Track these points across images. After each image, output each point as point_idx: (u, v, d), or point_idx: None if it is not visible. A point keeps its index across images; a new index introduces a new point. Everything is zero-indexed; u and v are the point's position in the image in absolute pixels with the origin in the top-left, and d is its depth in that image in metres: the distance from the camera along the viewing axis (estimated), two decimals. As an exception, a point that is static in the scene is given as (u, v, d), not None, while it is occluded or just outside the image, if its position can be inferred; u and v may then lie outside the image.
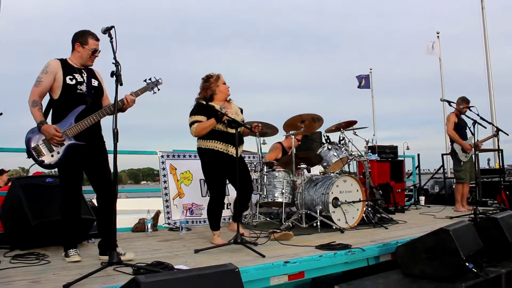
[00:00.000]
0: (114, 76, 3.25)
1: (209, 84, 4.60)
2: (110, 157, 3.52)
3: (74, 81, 3.71)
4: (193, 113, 4.55)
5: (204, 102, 4.54)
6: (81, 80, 3.76)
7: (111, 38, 3.31)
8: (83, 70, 3.83)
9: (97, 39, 3.82)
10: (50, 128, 3.55)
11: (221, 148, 4.53)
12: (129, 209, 9.10)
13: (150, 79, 3.98)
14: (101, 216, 3.87)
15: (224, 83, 4.66)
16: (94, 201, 6.30)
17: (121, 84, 3.25)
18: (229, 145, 4.55)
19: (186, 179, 6.09)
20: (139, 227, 5.57)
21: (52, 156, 3.59)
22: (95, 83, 3.87)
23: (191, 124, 4.54)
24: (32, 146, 3.56)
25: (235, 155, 4.42)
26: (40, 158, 3.56)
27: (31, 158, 3.58)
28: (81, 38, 3.79)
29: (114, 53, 3.29)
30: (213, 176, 4.52)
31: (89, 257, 3.75)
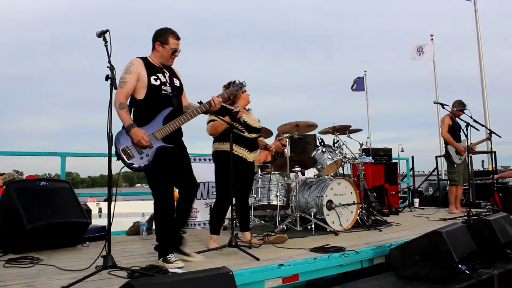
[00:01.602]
0: (109, 79, 3.25)
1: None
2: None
3: (158, 82, 3.65)
4: (212, 113, 4.58)
5: (227, 106, 4.58)
6: (165, 80, 3.71)
7: (106, 42, 3.29)
8: (164, 70, 3.78)
9: (178, 38, 3.77)
10: (139, 132, 3.47)
11: (236, 151, 4.58)
12: (124, 212, 9.10)
13: (234, 81, 4.18)
14: (178, 214, 3.80)
15: (245, 91, 4.70)
16: (89, 204, 6.33)
17: (116, 88, 3.25)
18: (245, 149, 4.64)
19: (180, 182, 6.08)
20: (134, 230, 5.56)
21: (142, 158, 3.52)
22: (177, 82, 3.83)
23: (209, 122, 4.61)
24: (122, 148, 3.48)
25: (250, 160, 4.66)
26: (129, 161, 3.49)
27: (120, 161, 3.50)
28: (161, 37, 3.73)
29: (109, 56, 3.27)
30: (226, 179, 4.42)
31: (84, 260, 3.75)
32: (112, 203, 3.22)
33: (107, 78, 3.25)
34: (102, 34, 3.29)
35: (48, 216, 4.29)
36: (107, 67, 3.26)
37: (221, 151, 4.60)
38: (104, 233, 4.88)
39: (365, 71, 19.68)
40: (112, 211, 3.21)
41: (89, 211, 5.31)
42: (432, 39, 15.94)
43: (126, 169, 3.54)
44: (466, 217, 6.10)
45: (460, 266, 3.63)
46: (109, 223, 3.21)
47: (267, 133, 6.17)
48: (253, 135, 4.74)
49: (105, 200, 3.53)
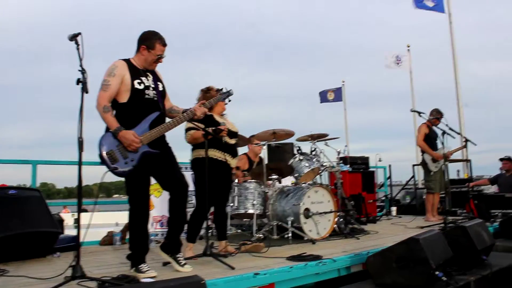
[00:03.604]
0: (80, 83, 3.16)
1: (210, 95, 4.51)
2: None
3: (142, 86, 3.56)
4: (193, 120, 4.50)
5: None
6: (148, 84, 3.61)
7: (78, 45, 3.20)
8: (148, 73, 3.69)
9: (165, 45, 3.69)
10: (129, 134, 3.37)
11: (219, 157, 4.53)
12: (99, 222, 8.91)
13: (221, 89, 4.08)
14: (173, 218, 3.73)
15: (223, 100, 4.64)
16: (62, 215, 6.17)
17: (87, 92, 3.17)
18: (228, 155, 4.59)
19: (156, 190, 5.96)
20: (107, 240, 5.43)
21: (126, 163, 3.40)
22: (160, 86, 3.74)
23: (187, 130, 4.53)
24: (106, 152, 3.37)
25: (232, 165, 4.62)
26: (113, 165, 3.37)
27: (104, 165, 3.39)
28: (148, 41, 3.64)
29: (81, 60, 3.19)
30: (206, 186, 4.29)
31: (53, 271, 3.61)
32: (89, 213, 3.13)
33: (78, 81, 3.17)
34: (74, 37, 3.21)
35: (17, 226, 4.16)
36: (79, 70, 3.18)
37: (202, 158, 4.45)
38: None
39: (343, 81, 19.77)
40: (82, 220, 3.12)
41: (61, 221, 5.18)
42: (409, 50, 16.13)
43: (99, 176, 3.45)
44: (443, 225, 6.11)
45: (437, 273, 3.62)
46: (79, 231, 3.11)
47: (243, 140, 6.11)
48: (233, 141, 4.69)
49: (81, 211, 3.41)
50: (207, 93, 4.59)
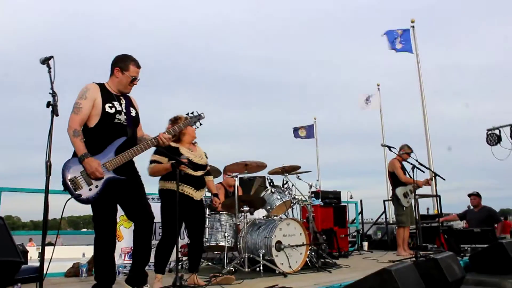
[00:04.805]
0: (50, 106, 3.10)
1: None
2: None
3: (113, 110, 3.50)
4: (156, 152, 4.47)
5: (171, 144, 4.44)
6: (120, 109, 3.55)
7: (50, 69, 3.16)
8: (121, 98, 3.63)
9: (139, 67, 3.66)
10: (94, 163, 3.30)
11: (183, 191, 4.46)
12: (65, 257, 8.60)
13: (192, 112, 4.00)
14: (138, 249, 3.63)
15: (192, 126, 4.60)
16: (29, 248, 5.93)
17: (57, 115, 3.10)
18: (191, 188, 4.53)
19: (126, 221, 5.81)
20: (73, 271, 5.22)
21: (90, 190, 3.32)
22: (133, 112, 3.68)
23: (150, 162, 4.49)
24: (69, 178, 3.28)
25: (198, 199, 4.57)
26: (77, 192, 3.28)
27: (67, 192, 3.30)
28: (122, 63, 3.61)
29: (52, 83, 3.14)
30: (171, 217, 4.30)
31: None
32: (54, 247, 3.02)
33: (48, 104, 3.11)
34: (46, 60, 3.17)
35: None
36: (49, 93, 3.13)
37: (166, 189, 4.49)
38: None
39: (315, 118, 19.96)
40: (46, 252, 2.98)
41: (25, 252, 4.98)
42: (378, 89, 16.48)
43: (67, 209, 3.36)
44: (414, 259, 6.11)
45: (409, 304, 3.58)
46: (43, 258, 2.97)
47: (216, 172, 6.07)
48: (200, 173, 4.62)
49: (46, 245, 3.28)
50: (175, 123, 4.56)
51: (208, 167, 4.95)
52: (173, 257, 5.34)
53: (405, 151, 7.57)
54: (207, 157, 4.85)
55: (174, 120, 4.48)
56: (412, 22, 12.65)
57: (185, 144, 4.62)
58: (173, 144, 4.46)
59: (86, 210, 3.60)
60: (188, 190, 4.51)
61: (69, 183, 3.27)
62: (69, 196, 3.31)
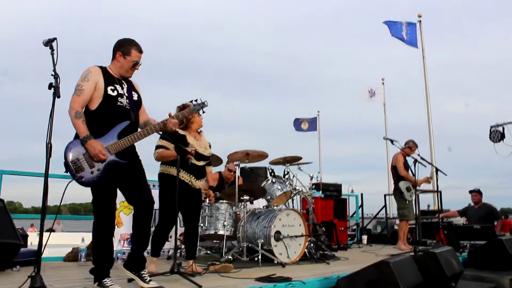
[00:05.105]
0: (52, 88, 3.09)
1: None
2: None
3: (115, 93, 3.46)
4: (162, 137, 4.47)
5: (179, 131, 4.46)
6: (122, 92, 3.52)
7: (52, 50, 3.14)
8: (123, 81, 3.60)
9: (141, 51, 3.62)
10: (97, 145, 3.25)
11: (182, 177, 4.47)
12: (64, 243, 8.62)
13: (196, 100, 3.95)
14: (136, 234, 3.60)
15: (199, 114, 4.60)
16: (30, 233, 5.94)
17: (59, 97, 3.09)
18: (192, 176, 4.56)
19: (126, 208, 5.83)
20: (72, 256, 5.23)
21: (92, 172, 3.28)
22: (135, 96, 3.64)
23: (157, 147, 4.53)
24: (71, 159, 3.24)
25: (196, 187, 4.59)
26: (79, 174, 3.25)
27: (68, 173, 3.26)
28: (124, 47, 3.56)
29: (54, 65, 3.13)
30: (169, 202, 4.34)
31: (11, 284, 3.44)
32: (54, 233, 3.00)
33: (50, 86, 3.10)
34: (49, 42, 3.15)
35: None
36: (51, 75, 3.13)
37: (167, 174, 4.53)
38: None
39: (318, 112, 19.91)
40: (45, 235, 2.98)
41: (25, 236, 5.00)
42: (383, 83, 16.44)
43: (68, 196, 3.35)
44: (413, 253, 6.11)
45: (407, 297, 3.58)
46: (41, 239, 2.97)
47: (217, 160, 6.06)
48: (202, 163, 4.64)
49: (47, 231, 3.28)
50: (183, 110, 4.56)
51: (210, 158, 4.95)
52: (171, 244, 5.39)
53: (409, 146, 7.57)
54: (210, 147, 4.87)
55: (182, 107, 4.48)
56: (419, 16, 12.57)
57: (192, 133, 4.65)
58: (180, 132, 4.48)
59: (87, 197, 3.59)
60: (188, 177, 4.54)
61: (71, 164, 3.25)
62: (70, 179, 3.30)
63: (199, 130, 4.79)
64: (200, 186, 4.73)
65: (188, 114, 4.05)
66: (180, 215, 4.74)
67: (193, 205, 4.67)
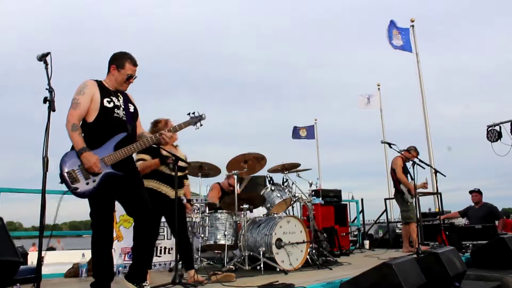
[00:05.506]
0: (47, 102, 3.09)
1: (158, 129, 4.59)
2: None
3: (111, 104, 3.50)
4: (140, 151, 4.47)
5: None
6: (118, 104, 3.55)
7: (47, 65, 3.15)
8: (119, 94, 3.63)
9: (135, 64, 3.66)
10: (92, 157, 3.29)
11: (158, 188, 4.61)
12: (65, 261, 8.57)
13: (193, 113, 3.95)
14: (138, 245, 3.60)
15: (197, 128, 4.64)
16: (31, 253, 5.88)
17: (54, 110, 3.10)
18: (168, 186, 4.66)
19: (126, 221, 5.80)
20: (73, 272, 5.19)
21: (87, 184, 3.31)
22: (131, 108, 3.67)
23: (136, 161, 4.52)
24: (67, 171, 3.27)
25: (171, 197, 4.55)
26: (74, 185, 3.27)
27: (63, 184, 3.28)
28: (118, 60, 3.61)
29: (49, 79, 3.14)
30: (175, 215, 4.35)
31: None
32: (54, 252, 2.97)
33: (45, 100, 3.10)
34: (43, 57, 3.16)
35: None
36: (46, 89, 3.13)
37: (146, 188, 4.52)
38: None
39: (316, 119, 19.89)
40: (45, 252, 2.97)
41: (25, 254, 4.97)
42: (379, 88, 16.45)
43: (68, 214, 3.34)
44: (415, 255, 6.09)
45: (410, 298, 3.55)
46: (40, 253, 2.95)
47: (216, 170, 6.03)
48: (179, 173, 4.69)
49: (47, 249, 3.26)
50: (155, 127, 4.74)
51: (187, 171, 5.14)
52: (172, 256, 5.35)
53: (408, 150, 7.57)
54: (187, 160, 4.98)
55: (154, 124, 4.68)
56: (412, 21, 12.61)
57: (167, 147, 4.62)
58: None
59: (87, 215, 3.59)
60: (164, 188, 4.65)
61: (66, 175, 3.26)
62: (65, 189, 3.30)
63: (175, 144, 4.90)
64: (181, 195, 4.77)
65: (185, 126, 4.05)
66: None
67: (173, 216, 4.60)
